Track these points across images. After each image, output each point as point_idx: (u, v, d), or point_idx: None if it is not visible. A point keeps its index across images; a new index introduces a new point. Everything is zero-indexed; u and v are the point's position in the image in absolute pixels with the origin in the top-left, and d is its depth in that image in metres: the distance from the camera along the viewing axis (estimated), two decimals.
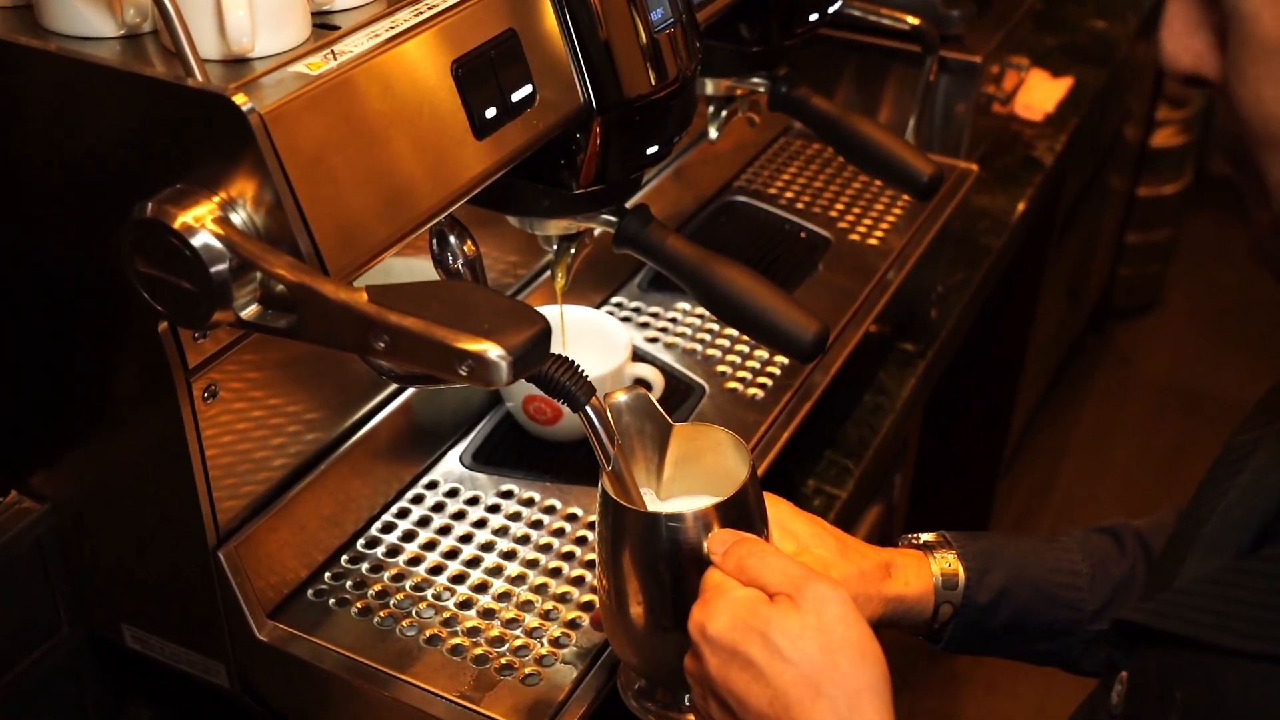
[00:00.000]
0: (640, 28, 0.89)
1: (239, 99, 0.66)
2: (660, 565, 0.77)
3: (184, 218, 0.67)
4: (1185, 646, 0.64)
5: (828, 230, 1.41)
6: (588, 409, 0.77)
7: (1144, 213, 3.25)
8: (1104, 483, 2.90)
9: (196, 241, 0.67)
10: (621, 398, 0.84)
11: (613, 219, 1.00)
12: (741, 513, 0.78)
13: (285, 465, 0.95)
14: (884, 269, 1.35)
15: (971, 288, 1.62)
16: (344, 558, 0.99)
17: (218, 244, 0.67)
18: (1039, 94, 2.11)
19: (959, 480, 2.40)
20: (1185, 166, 3.25)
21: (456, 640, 0.92)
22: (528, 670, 0.90)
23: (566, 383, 0.76)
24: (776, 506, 0.87)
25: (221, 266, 0.67)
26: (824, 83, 1.71)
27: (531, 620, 0.94)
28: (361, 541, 1.01)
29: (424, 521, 1.03)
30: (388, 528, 1.02)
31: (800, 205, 1.46)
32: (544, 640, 0.93)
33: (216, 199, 0.69)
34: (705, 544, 0.76)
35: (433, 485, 1.07)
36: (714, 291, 0.99)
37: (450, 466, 1.09)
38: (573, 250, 1.05)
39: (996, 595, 0.90)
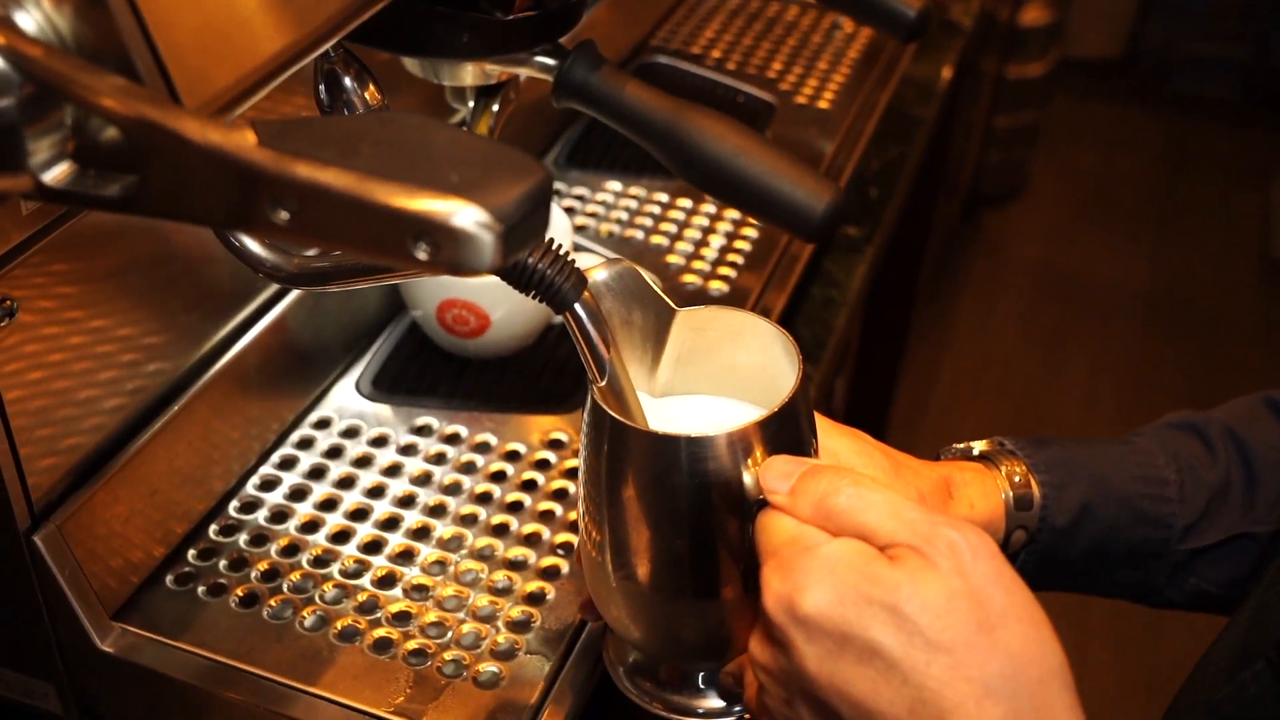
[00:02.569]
0: None
1: None
2: (681, 508, 0.54)
3: None
4: None
5: (769, 93, 1.19)
6: (579, 308, 0.54)
7: (1011, 95, 3.14)
8: (988, 371, 2.81)
9: None
10: (600, 275, 0.60)
11: (550, 61, 0.75)
12: (793, 432, 0.55)
13: (121, 410, 0.69)
14: (840, 139, 1.13)
15: (909, 163, 1.43)
16: (213, 528, 0.74)
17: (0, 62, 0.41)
18: None
19: (869, 379, 2.24)
20: (1050, 47, 3.15)
21: (380, 632, 0.68)
22: (483, 667, 0.67)
23: (548, 271, 0.52)
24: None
25: (11, 94, 0.41)
26: None
27: (479, 597, 0.71)
28: (235, 504, 0.76)
29: (317, 473, 0.78)
30: (269, 484, 0.77)
31: (732, 65, 1.22)
32: (499, 623, 0.69)
33: None
34: (750, 476, 0.53)
35: (324, 424, 0.82)
36: (694, 154, 0.75)
37: (345, 398, 0.84)
38: (495, 107, 0.80)
39: (1077, 514, 0.71)
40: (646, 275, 0.61)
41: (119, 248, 0.66)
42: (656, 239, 0.99)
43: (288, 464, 0.78)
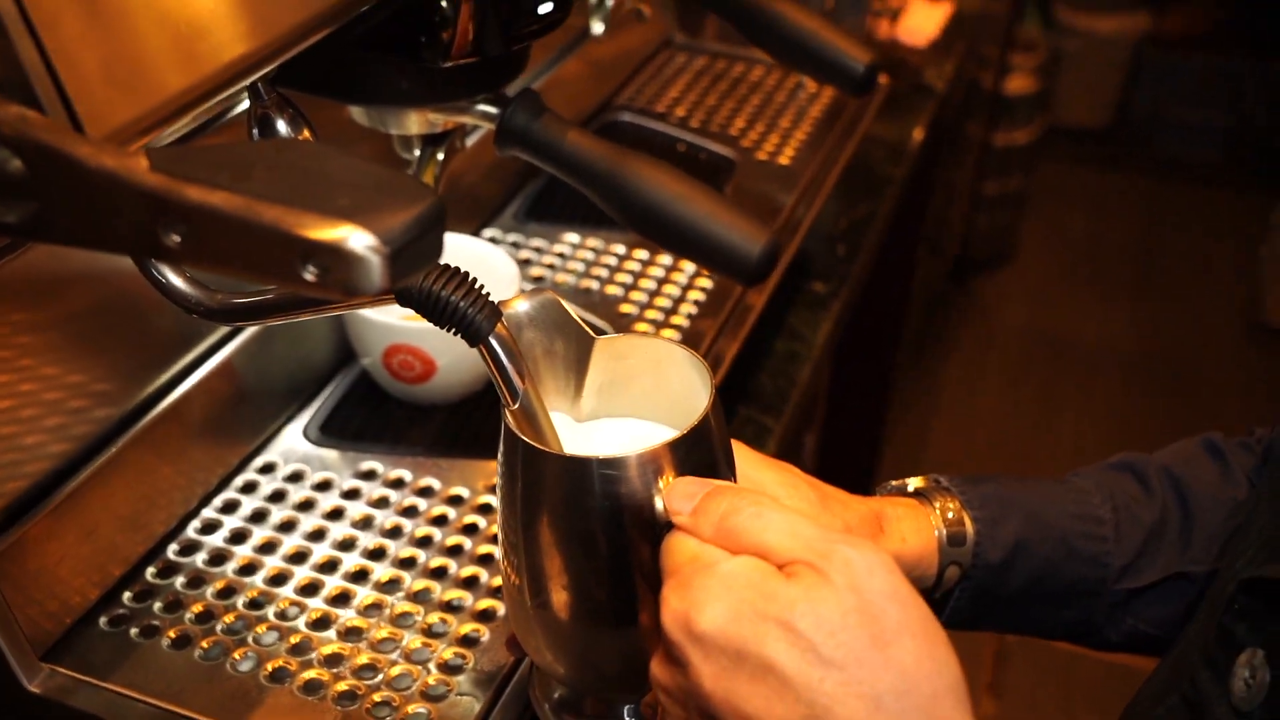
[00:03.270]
0: None
1: None
2: (594, 530, 0.54)
3: None
4: None
5: (730, 150, 1.20)
6: (492, 340, 0.54)
7: (998, 162, 3.18)
8: (975, 435, 2.82)
9: None
10: (522, 306, 0.61)
11: (492, 109, 0.76)
12: (704, 453, 0.56)
13: (62, 451, 0.69)
14: (800, 193, 1.14)
15: (878, 220, 1.44)
16: (150, 570, 0.74)
17: None
18: (920, 18, 1.96)
19: (847, 440, 2.24)
20: (1036, 115, 3.19)
21: (311, 674, 0.68)
22: (412, 709, 0.67)
23: (461, 304, 0.53)
24: (737, 453, 0.65)
25: None
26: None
27: (412, 640, 0.71)
28: (174, 547, 0.76)
29: (258, 516, 0.78)
30: (209, 527, 0.77)
31: (695, 124, 1.24)
32: (432, 665, 0.69)
33: None
34: (660, 499, 0.54)
35: (268, 468, 0.82)
36: (632, 199, 0.76)
37: (291, 443, 0.84)
38: (440, 155, 0.81)
39: (1011, 551, 0.71)
40: (568, 305, 0.61)
41: (57, 291, 0.67)
42: (612, 289, 1.00)
43: (230, 507, 0.78)
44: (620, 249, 1.04)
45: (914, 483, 0.74)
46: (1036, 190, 3.45)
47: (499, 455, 0.57)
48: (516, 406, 0.56)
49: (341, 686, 0.68)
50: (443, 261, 0.49)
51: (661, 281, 1.01)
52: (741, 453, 0.66)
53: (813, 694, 0.46)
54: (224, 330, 0.81)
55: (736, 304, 1.00)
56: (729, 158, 1.19)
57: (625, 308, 0.98)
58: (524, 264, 1.02)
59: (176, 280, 0.58)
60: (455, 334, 0.54)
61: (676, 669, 0.49)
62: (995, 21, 2.79)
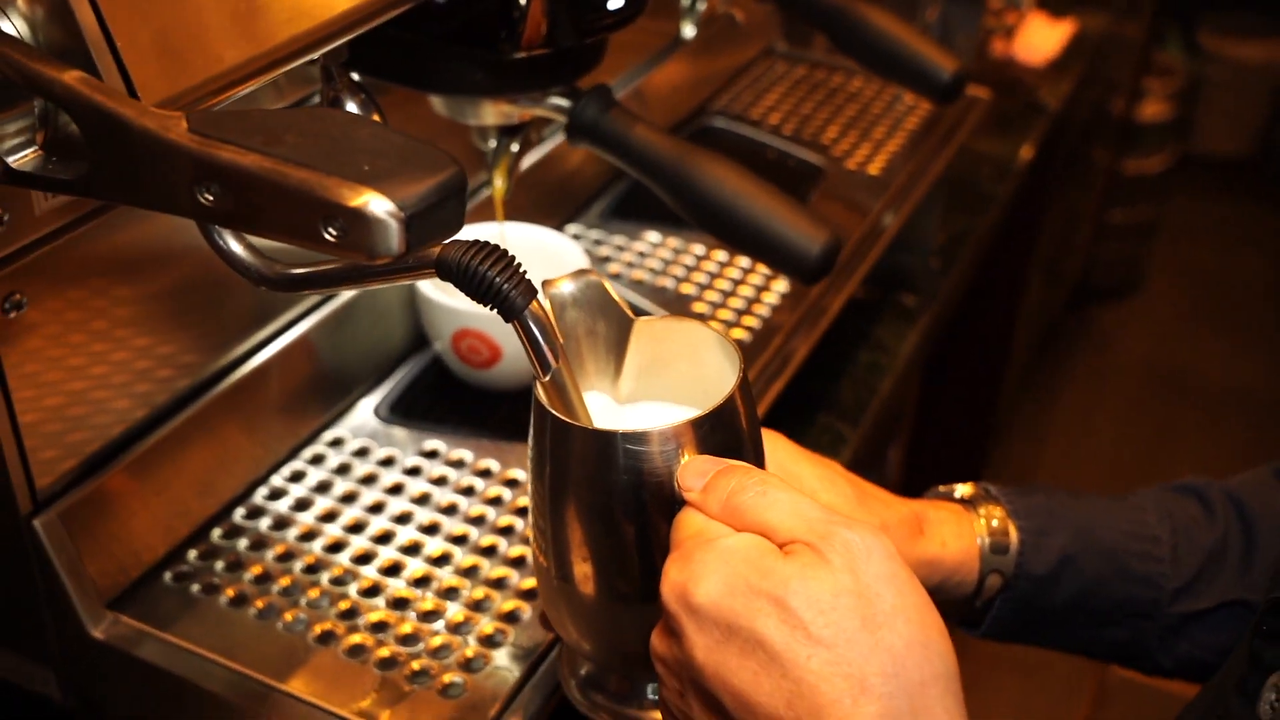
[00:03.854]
0: None
1: None
2: (616, 505, 0.55)
3: None
4: None
5: (820, 157, 1.20)
6: (526, 317, 0.56)
7: (1126, 190, 3.10)
8: (1087, 469, 2.74)
9: None
10: (566, 286, 0.62)
11: (564, 102, 0.78)
12: (728, 434, 0.56)
13: (136, 410, 0.73)
14: (886, 202, 1.14)
15: (975, 237, 1.43)
16: (216, 531, 0.77)
17: None
18: (1040, 36, 1.93)
19: (944, 461, 2.21)
20: (1170, 143, 3.10)
21: (356, 639, 0.71)
22: (449, 678, 0.69)
23: (497, 279, 0.55)
24: (775, 444, 0.66)
25: None
26: None
27: (456, 613, 0.73)
28: (241, 511, 0.79)
29: (323, 487, 0.81)
30: (276, 494, 0.80)
31: (788, 131, 1.25)
32: (472, 638, 0.71)
33: None
34: (676, 476, 0.54)
35: (338, 442, 0.85)
36: (696, 194, 0.77)
37: (362, 419, 0.87)
38: (515, 147, 0.83)
39: (1057, 564, 0.70)
40: (610, 287, 0.63)
41: (138, 256, 0.70)
42: (687, 287, 1.01)
43: (296, 477, 0.82)
44: (699, 249, 1.05)
45: (962, 489, 0.73)
46: (1168, 221, 3.34)
47: (530, 431, 0.58)
48: (548, 379, 0.57)
49: (384, 652, 0.70)
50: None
51: (737, 282, 1.02)
52: (780, 445, 0.67)
53: (799, 671, 0.46)
54: (304, 306, 0.84)
55: (811, 307, 1.00)
56: (817, 165, 1.19)
57: (699, 306, 0.99)
58: (603, 260, 1.04)
59: (238, 248, 0.60)
60: (492, 309, 0.56)
61: (673, 640, 0.50)
62: (1129, 45, 2.72)
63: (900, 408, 1.30)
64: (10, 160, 0.47)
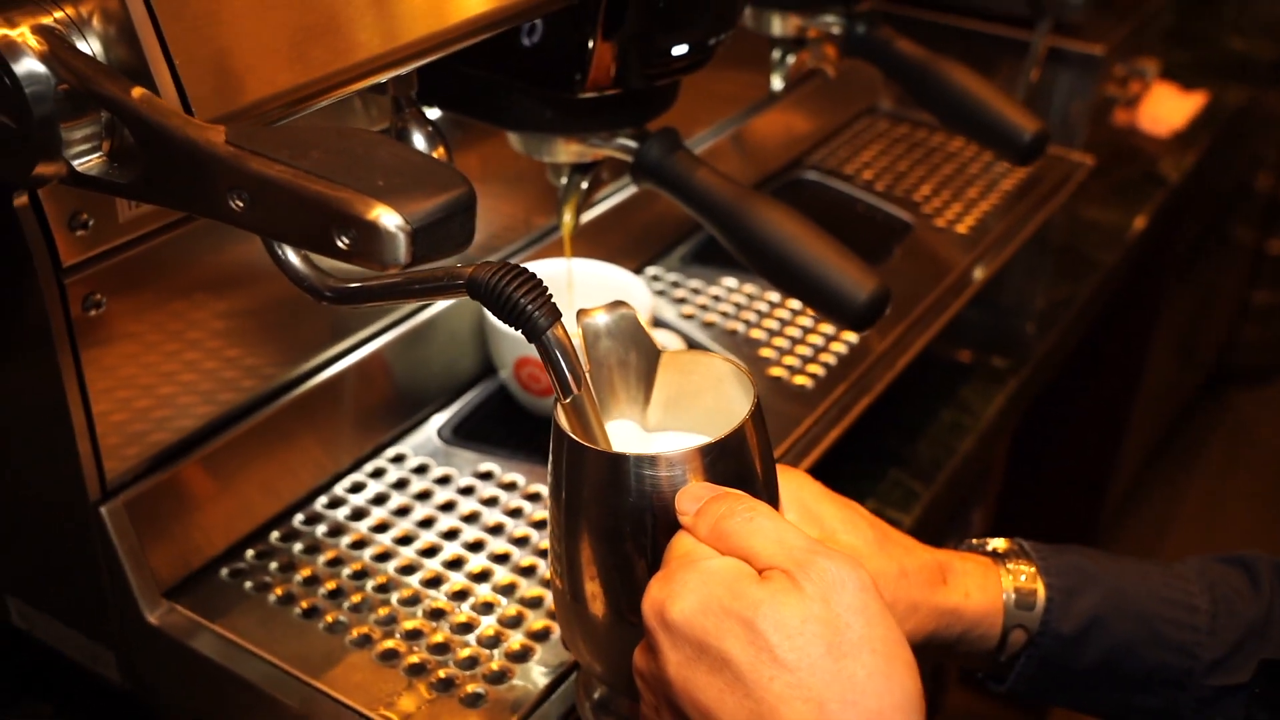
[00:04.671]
0: None
1: None
2: (624, 526, 0.57)
3: (4, 28, 0.50)
4: None
5: (909, 214, 1.21)
6: (547, 339, 0.58)
7: (1273, 270, 2.99)
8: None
9: (12, 58, 0.50)
10: (601, 318, 0.64)
11: (631, 143, 0.81)
12: (735, 463, 0.58)
13: (209, 409, 0.78)
14: (971, 260, 1.14)
15: (1077, 305, 1.40)
16: (275, 533, 0.81)
17: (40, 66, 0.50)
18: (1167, 107, 1.89)
19: (1046, 534, 2.16)
20: None
21: (390, 644, 0.73)
22: (472, 688, 0.71)
23: (521, 300, 0.57)
24: (800, 483, 0.67)
25: (46, 94, 0.50)
26: None
27: (489, 627, 0.75)
28: (300, 517, 0.83)
29: (380, 499, 0.85)
30: (335, 502, 0.84)
31: (880, 187, 1.26)
32: (500, 652, 0.73)
33: (59, 14, 0.52)
34: (675, 499, 0.56)
35: (400, 458, 0.88)
36: (751, 237, 0.79)
37: (425, 439, 0.90)
38: (584, 185, 0.86)
39: (1085, 624, 0.69)
40: (642, 320, 0.65)
41: (217, 268, 0.75)
42: (756, 333, 1.03)
43: (356, 488, 0.85)
44: (773, 297, 1.07)
45: (995, 543, 0.73)
46: None
47: (549, 453, 0.61)
48: (568, 402, 0.60)
49: (414, 659, 0.72)
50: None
51: (807, 330, 1.03)
52: (805, 484, 0.68)
53: (761, 691, 0.47)
54: (379, 325, 0.88)
55: (878, 360, 1.00)
56: (906, 221, 1.20)
57: (766, 351, 1.00)
58: (679, 301, 1.06)
59: (296, 261, 0.64)
60: (516, 329, 0.58)
61: (650, 656, 0.52)
62: (1277, 119, 2.64)
63: (982, 470, 1.29)
64: (76, 164, 0.52)
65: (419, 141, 0.73)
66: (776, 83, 1.09)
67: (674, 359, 0.65)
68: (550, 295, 0.59)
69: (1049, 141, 0.99)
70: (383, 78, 0.61)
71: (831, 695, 0.47)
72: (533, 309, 0.58)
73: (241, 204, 0.48)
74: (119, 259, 0.68)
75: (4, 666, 0.87)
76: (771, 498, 0.61)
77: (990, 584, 0.69)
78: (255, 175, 0.47)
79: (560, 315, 0.59)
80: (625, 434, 0.66)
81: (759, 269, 0.80)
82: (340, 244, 0.47)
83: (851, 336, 1.03)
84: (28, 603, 0.81)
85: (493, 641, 0.74)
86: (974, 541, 0.74)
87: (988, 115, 0.98)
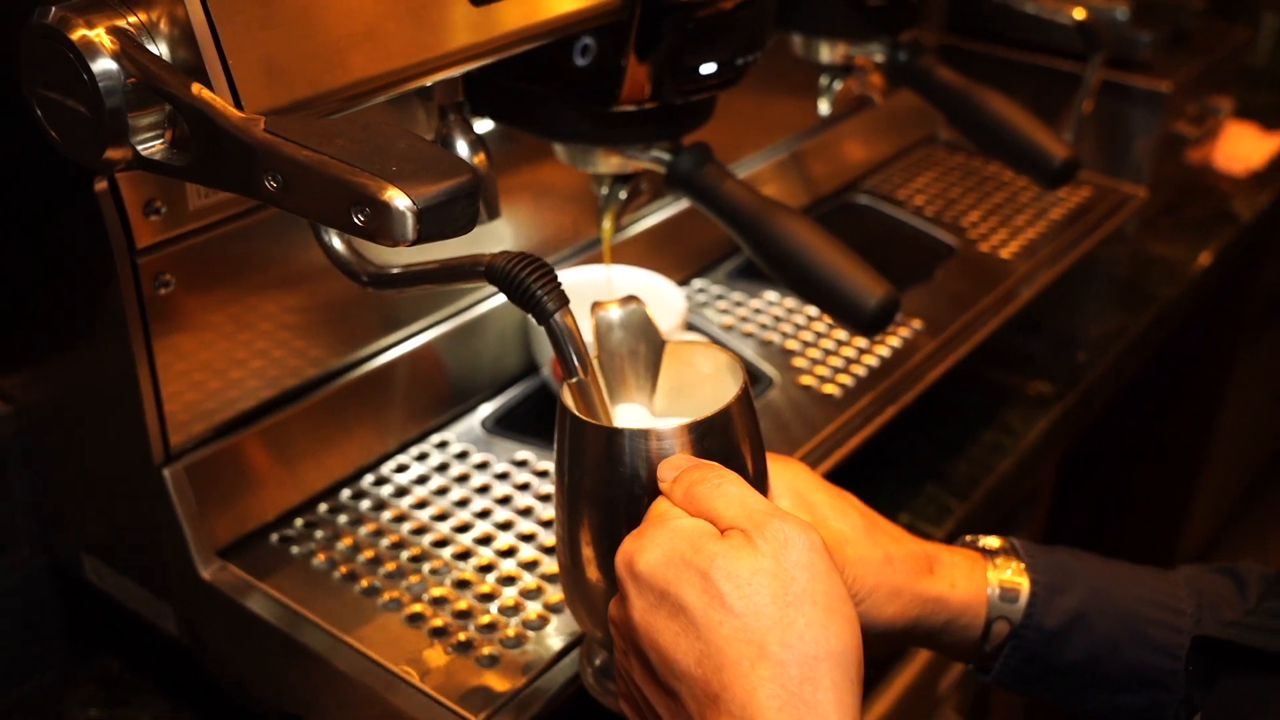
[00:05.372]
0: None
1: None
2: (618, 496, 0.62)
3: (84, 30, 0.58)
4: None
5: (954, 238, 1.24)
6: (554, 322, 0.64)
7: None
8: None
9: (90, 55, 0.57)
10: (614, 311, 0.70)
11: (665, 155, 0.87)
12: (720, 441, 0.62)
13: (264, 390, 0.85)
14: (1009, 284, 1.17)
15: (1130, 336, 1.42)
16: (323, 505, 0.88)
17: (113, 63, 0.57)
18: (1245, 147, 1.89)
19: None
20: None
21: (417, 608, 0.80)
22: (488, 650, 0.76)
23: (532, 285, 0.63)
24: (796, 472, 0.71)
25: (116, 87, 0.57)
26: None
27: (509, 598, 0.81)
28: (347, 492, 0.90)
29: (422, 480, 0.91)
30: (380, 480, 0.91)
31: (929, 212, 1.29)
32: (517, 621, 0.79)
33: (134, 17, 0.59)
34: (658, 469, 0.61)
35: (444, 444, 0.95)
36: (769, 244, 0.84)
37: (469, 427, 0.97)
38: (623, 195, 0.92)
39: (1068, 621, 0.72)
40: (650, 314, 0.70)
41: (280, 257, 0.83)
42: (791, 344, 1.07)
43: (401, 468, 0.92)
44: (812, 311, 1.11)
45: (988, 540, 0.76)
46: None
47: (555, 429, 0.66)
48: (574, 383, 0.65)
49: (437, 622, 0.78)
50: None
51: (841, 343, 1.07)
52: (801, 473, 0.72)
53: (710, 634, 0.52)
54: (433, 318, 0.95)
55: (907, 375, 1.04)
56: (950, 245, 1.23)
57: (798, 361, 1.05)
58: (722, 312, 1.11)
59: (340, 246, 0.71)
60: (527, 311, 0.64)
61: (620, 604, 0.57)
62: None
63: (1023, 492, 1.31)
64: (141, 149, 0.59)
65: (461, 148, 0.80)
66: (823, 107, 1.14)
67: (677, 350, 0.70)
68: (559, 284, 0.64)
69: (1079, 168, 1.02)
70: (416, 85, 0.67)
71: (772, 639, 0.51)
72: (542, 294, 0.63)
73: (275, 185, 0.55)
74: (187, 244, 0.76)
75: (81, 623, 0.96)
76: (759, 475, 0.66)
77: (976, 576, 0.72)
78: (287, 159, 0.54)
79: (568, 302, 0.64)
80: (633, 416, 0.72)
81: (778, 274, 0.85)
82: (357, 221, 0.53)
83: (883, 350, 1.07)
84: (102, 560, 0.89)
85: (512, 610, 0.80)
86: (967, 538, 0.77)
87: (1021, 140, 1.02)
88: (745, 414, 0.64)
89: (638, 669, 0.57)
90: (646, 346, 0.71)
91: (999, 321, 1.12)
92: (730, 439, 0.64)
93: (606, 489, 0.63)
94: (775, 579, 0.53)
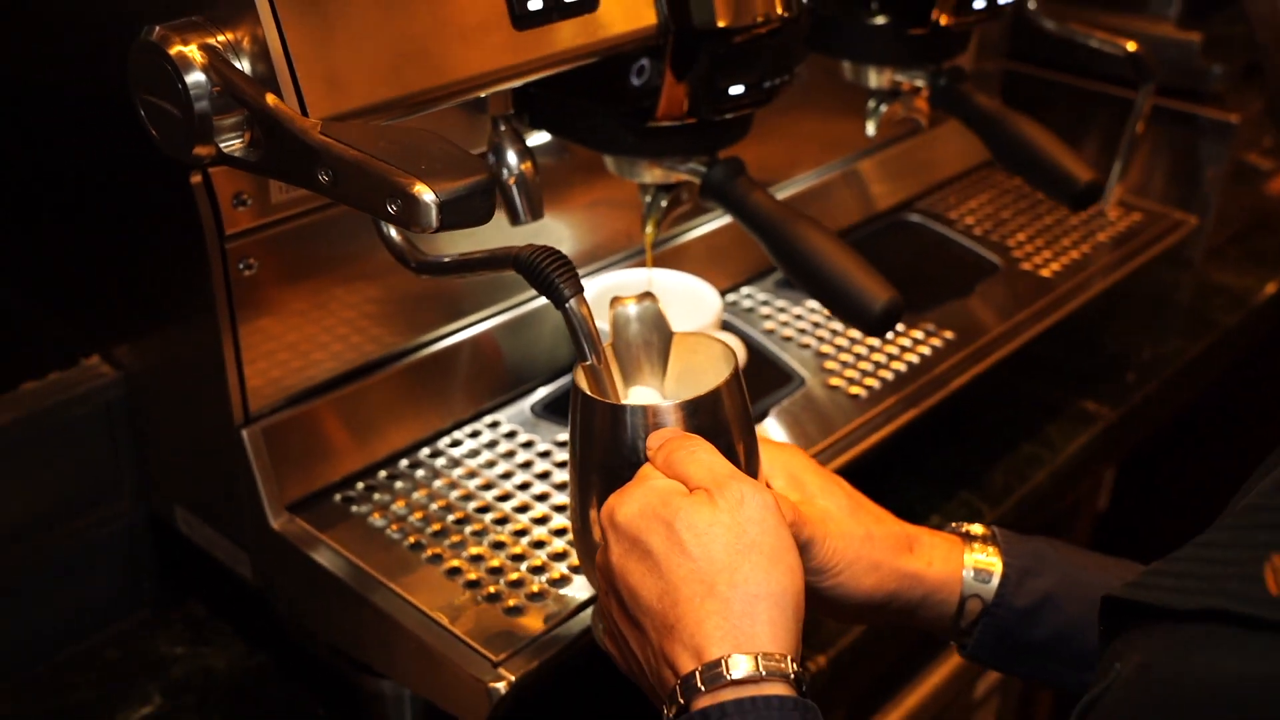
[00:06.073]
0: None
1: None
2: (620, 464, 0.71)
3: (180, 46, 0.69)
4: (1162, 620, 0.53)
5: (998, 256, 1.31)
6: (569, 308, 0.73)
7: None
8: None
9: (184, 67, 0.68)
10: (631, 307, 0.79)
11: (700, 167, 0.96)
12: (709, 419, 0.71)
13: (334, 363, 0.96)
14: (1044, 302, 1.23)
15: (1182, 360, 1.46)
16: (382, 472, 0.99)
17: (202, 75, 0.68)
18: None
19: None
20: None
21: (456, 563, 0.89)
22: (513, 602, 0.86)
23: (551, 274, 0.72)
24: (790, 454, 0.79)
25: (204, 94, 0.68)
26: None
27: (537, 559, 0.90)
28: (405, 461, 1.00)
29: (472, 454, 1.01)
30: (435, 453, 1.01)
31: (978, 231, 1.36)
32: (543, 579, 0.88)
33: (222, 37, 0.70)
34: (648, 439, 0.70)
35: (495, 424, 1.05)
36: (788, 249, 0.92)
37: (520, 410, 1.06)
38: (664, 203, 1.01)
39: (1038, 602, 0.78)
40: (662, 309, 0.79)
41: (353, 249, 0.93)
42: (826, 348, 1.15)
43: (455, 443, 1.02)
44: None
45: (974, 528, 0.83)
46: None
47: (569, 406, 0.75)
48: (587, 364, 0.74)
49: (472, 576, 0.88)
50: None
51: (873, 349, 1.14)
52: (795, 456, 0.80)
53: (669, 574, 0.61)
54: (494, 308, 1.05)
55: (931, 381, 1.11)
56: (994, 263, 1.29)
57: (830, 364, 1.13)
58: (763, 318, 1.19)
59: (395, 236, 0.82)
60: (544, 296, 0.73)
61: (603, 551, 0.66)
62: None
63: (1060, 504, 1.36)
64: (223, 147, 0.70)
65: (510, 157, 0.90)
66: (870, 129, 1.21)
67: (683, 340, 0.79)
68: (576, 274, 0.73)
69: (1103, 190, 1.08)
70: (461, 99, 0.77)
71: (721, 580, 0.60)
72: (559, 281, 0.72)
73: (327, 178, 0.65)
74: (270, 233, 0.87)
75: (172, 569, 1.08)
76: (748, 450, 0.74)
77: (953, 557, 0.79)
78: (337, 157, 0.64)
79: (582, 290, 0.73)
80: (645, 397, 0.80)
81: (795, 277, 0.93)
82: (390, 210, 0.63)
83: (912, 358, 1.13)
84: (191, 512, 1.01)
85: (538, 570, 0.89)
86: (953, 525, 0.84)
87: (1048, 163, 1.08)
88: (734, 396, 0.73)
89: (614, 606, 0.65)
90: (658, 337, 0.80)
91: (1028, 337, 1.18)
92: (719, 417, 0.72)
93: (609, 458, 0.72)
94: (729, 530, 0.61)
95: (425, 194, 0.62)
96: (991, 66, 1.50)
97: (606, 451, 0.72)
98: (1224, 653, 0.44)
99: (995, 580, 0.79)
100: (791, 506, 0.71)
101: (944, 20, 1.09)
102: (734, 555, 0.61)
